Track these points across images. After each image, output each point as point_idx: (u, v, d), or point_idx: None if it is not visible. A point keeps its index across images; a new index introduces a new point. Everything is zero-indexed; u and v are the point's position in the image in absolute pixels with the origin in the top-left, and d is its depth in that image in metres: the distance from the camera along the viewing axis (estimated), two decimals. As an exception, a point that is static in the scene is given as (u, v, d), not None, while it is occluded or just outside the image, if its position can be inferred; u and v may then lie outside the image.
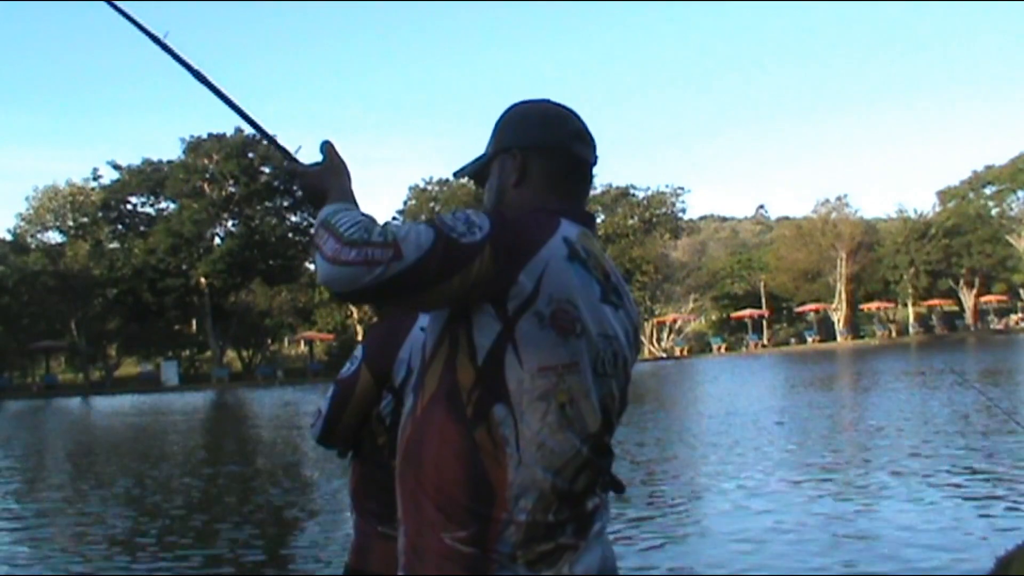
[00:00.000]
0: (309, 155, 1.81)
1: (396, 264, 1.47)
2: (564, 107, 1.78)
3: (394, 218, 29.66)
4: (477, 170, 1.79)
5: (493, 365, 1.53)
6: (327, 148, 1.76)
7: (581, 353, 1.56)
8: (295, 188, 53.60)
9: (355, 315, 49.01)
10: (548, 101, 1.78)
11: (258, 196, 52.85)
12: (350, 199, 1.67)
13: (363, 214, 1.57)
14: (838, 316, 58.89)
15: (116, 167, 53.94)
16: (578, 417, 1.56)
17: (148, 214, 54.90)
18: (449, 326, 1.58)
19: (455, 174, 1.86)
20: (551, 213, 1.64)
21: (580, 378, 1.56)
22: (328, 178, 1.72)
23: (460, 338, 1.55)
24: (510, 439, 1.52)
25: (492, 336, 1.53)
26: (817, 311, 59.75)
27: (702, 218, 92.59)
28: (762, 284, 61.84)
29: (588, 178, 1.77)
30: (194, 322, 56.28)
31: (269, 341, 59.52)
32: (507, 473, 1.51)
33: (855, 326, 60.22)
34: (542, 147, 1.71)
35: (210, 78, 1.83)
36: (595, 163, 1.77)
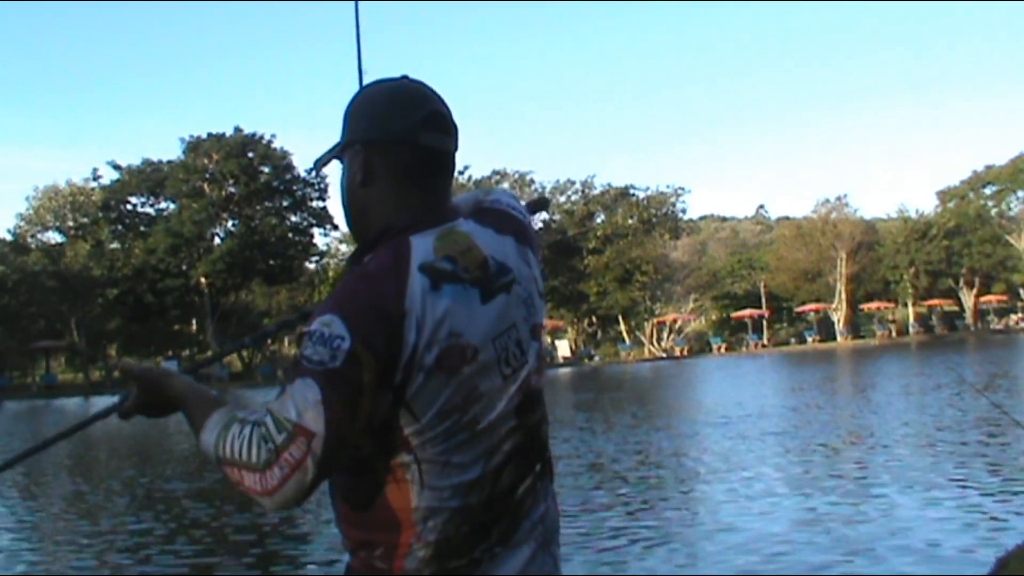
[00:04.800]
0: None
1: (317, 443, 1.34)
2: (419, 88, 1.56)
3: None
4: (328, 163, 1.61)
5: (386, 428, 1.43)
6: (127, 372, 1.61)
7: (478, 376, 1.46)
8: (295, 188, 54.20)
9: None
10: (400, 80, 1.56)
11: (258, 196, 52.87)
12: (199, 397, 1.51)
13: (236, 418, 1.43)
14: (838, 316, 58.90)
15: (116, 167, 54.00)
16: (490, 427, 1.47)
17: (148, 214, 54.92)
18: None
19: (312, 166, 1.67)
20: (399, 236, 1.48)
21: (485, 401, 1.46)
22: (161, 389, 1.55)
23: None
24: (411, 466, 1.44)
25: (385, 404, 1.41)
26: (817, 311, 59.77)
27: (702, 218, 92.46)
28: (762, 284, 61.82)
29: (447, 168, 1.56)
30: (194, 322, 56.33)
31: (269, 341, 59.51)
32: (411, 499, 1.43)
33: (855, 326, 60.23)
34: (385, 141, 1.51)
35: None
36: (455, 150, 1.57)
